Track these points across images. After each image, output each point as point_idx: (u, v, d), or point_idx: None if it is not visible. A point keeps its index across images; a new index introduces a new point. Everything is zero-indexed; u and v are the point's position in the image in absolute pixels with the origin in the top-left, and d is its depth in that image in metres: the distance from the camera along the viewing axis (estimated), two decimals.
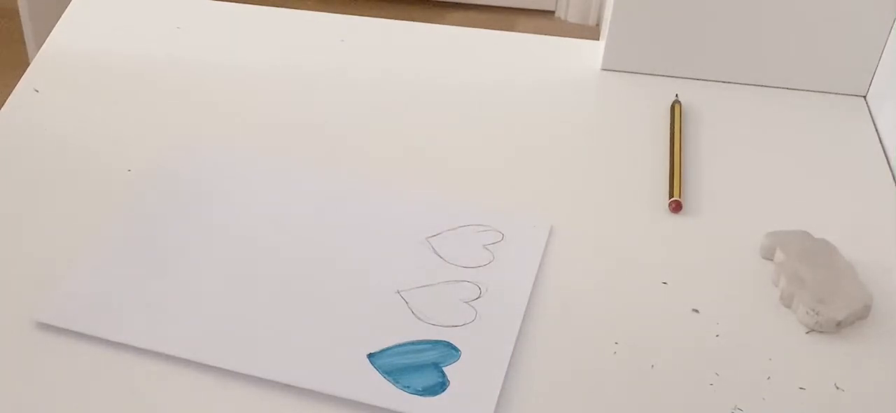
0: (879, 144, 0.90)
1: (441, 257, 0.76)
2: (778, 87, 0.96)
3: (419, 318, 0.72)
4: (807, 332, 0.73)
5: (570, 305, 0.74)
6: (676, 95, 0.94)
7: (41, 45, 0.96)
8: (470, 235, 0.79)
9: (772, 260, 0.78)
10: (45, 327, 0.69)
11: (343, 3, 2.32)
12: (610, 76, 0.97)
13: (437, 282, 0.74)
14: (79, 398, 0.65)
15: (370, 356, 0.69)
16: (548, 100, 0.94)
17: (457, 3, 2.43)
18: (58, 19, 1.00)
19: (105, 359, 0.68)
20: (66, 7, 1.01)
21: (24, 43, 1.97)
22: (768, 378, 0.69)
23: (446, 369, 0.68)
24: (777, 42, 0.94)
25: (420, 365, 0.68)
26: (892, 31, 0.91)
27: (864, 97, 0.96)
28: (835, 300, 0.73)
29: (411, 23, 1.04)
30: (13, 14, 2.01)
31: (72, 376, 0.67)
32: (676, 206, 0.82)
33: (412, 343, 0.70)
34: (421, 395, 0.66)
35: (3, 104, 0.89)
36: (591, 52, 1.00)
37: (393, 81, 0.95)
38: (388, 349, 0.69)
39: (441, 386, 0.67)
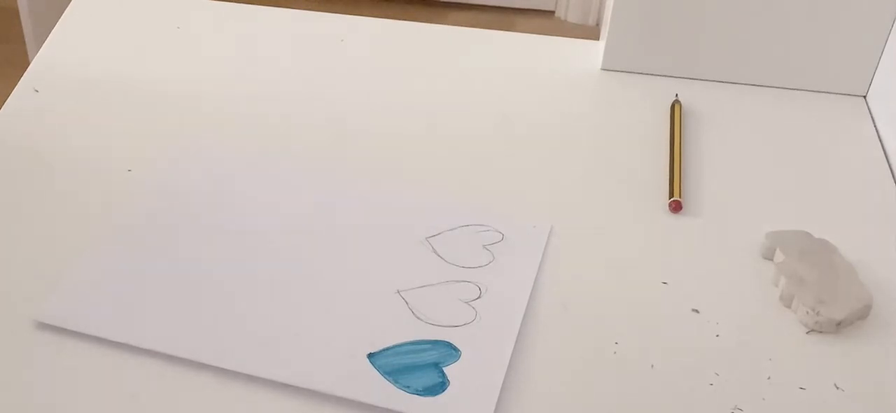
0: (879, 144, 0.90)
1: (441, 257, 0.76)
2: (778, 87, 0.96)
3: (419, 318, 0.72)
4: (807, 332, 0.73)
5: (570, 305, 0.74)
6: (676, 95, 0.94)
7: (41, 45, 0.96)
8: (470, 235, 0.79)
9: (772, 260, 0.78)
10: (45, 327, 0.69)
11: (343, 3, 2.32)
12: (610, 76, 0.97)
13: (437, 282, 0.74)
14: (79, 398, 0.65)
15: (370, 356, 0.69)
16: (548, 100, 0.94)
17: (457, 3, 2.43)
18: (58, 19, 1.00)
19: (105, 359, 0.68)
20: (66, 7, 1.01)
21: (24, 43, 1.97)
22: (768, 378, 0.69)
23: (446, 369, 0.68)
24: (777, 42, 0.94)
25: (420, 365, 0.68)
26: (892, 31, 0.91)
27: (864, 97, 0.96)
28: (835, 300, 0.73)
29: (411, 23, 1.04)
30: (13, 14, 2.01)
31: (72, 376, 0.67)
32: (676, 206, 0.82)
33: (412, 343, 0.70)
34: (421, 395, 0.66)
35: (3, 104, 0.89)
36: (591, 52, 1.00)
37: (393, 81, 0.95)
38: (388, 349, 0.69)
39: (441, 386, 0.67)
